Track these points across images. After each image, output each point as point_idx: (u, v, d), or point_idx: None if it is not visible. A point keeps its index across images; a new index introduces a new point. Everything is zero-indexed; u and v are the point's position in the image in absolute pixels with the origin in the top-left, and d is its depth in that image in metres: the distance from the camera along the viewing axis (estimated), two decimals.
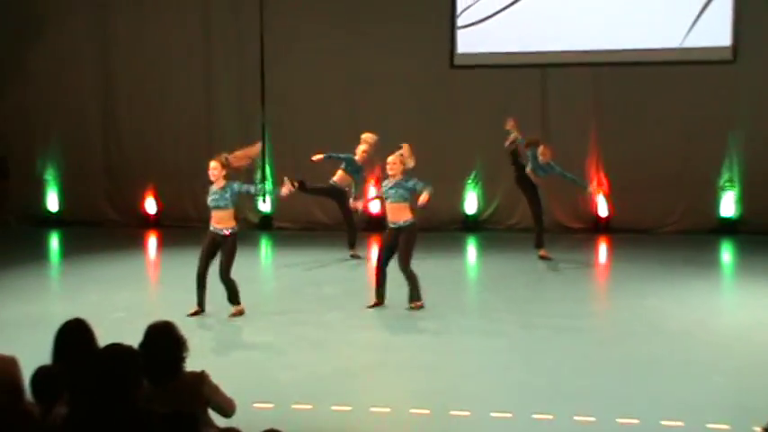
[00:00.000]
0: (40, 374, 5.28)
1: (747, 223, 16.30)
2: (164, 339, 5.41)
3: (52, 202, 18.65)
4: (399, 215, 11.05)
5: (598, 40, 16.38)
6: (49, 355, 5.57)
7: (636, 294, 12.02)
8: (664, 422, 7.29)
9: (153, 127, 18.11)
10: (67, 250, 17.22)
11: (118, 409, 4.52)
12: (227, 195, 10.68)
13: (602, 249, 16.20)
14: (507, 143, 14.12)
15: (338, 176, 14.33)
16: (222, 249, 10.73)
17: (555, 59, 16.67)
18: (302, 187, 14.39)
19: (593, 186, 14.36)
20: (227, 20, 17.84)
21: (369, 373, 9.01)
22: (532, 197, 14.26)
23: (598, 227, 16.87)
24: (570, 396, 8.00)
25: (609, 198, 16.79)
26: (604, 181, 16.78)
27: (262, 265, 15.69)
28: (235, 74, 17.94)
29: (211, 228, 10.79)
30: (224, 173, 10.67)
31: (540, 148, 14.04)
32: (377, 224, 15.73)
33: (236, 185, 10.74)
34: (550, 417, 7.50)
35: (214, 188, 10.75)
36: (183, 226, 17.25)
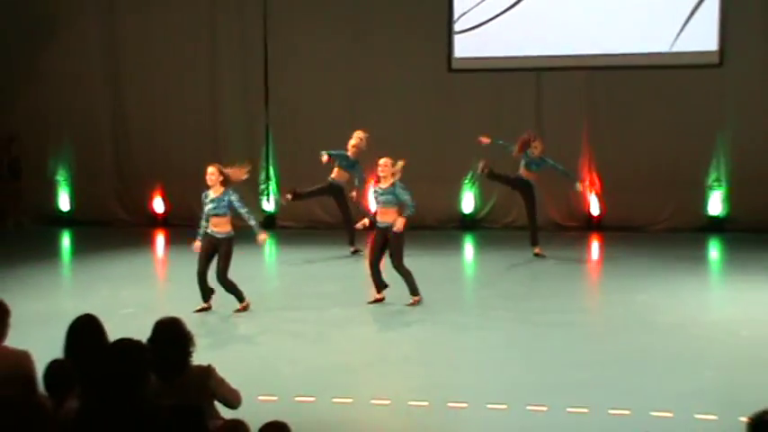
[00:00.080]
0: (53, 368, 5.34)
1: (734, 221, 16.40)
2: (171, 335, 5.43)
3: (64, 202, 18.69)
4: (388, 217, 11.20)
5: (591, 44, 16.53)
6: (61, 349, 5.60)
7: (627, 290, 12.14)
8: (654, 413, 7.39)
9: (160, 128, 18.18)
10: (78, 249, 17.25)
11: (127, 402, 4.54)
12: (225, 204, 10.75)
13: (595, 247, 16.30)
14: (480, 170, 14.26)
15: (335, 173, 14.51)
16: (219, 252, 10.80)
17: (549, 63, 16.80)
18: (297, 197, 14.61)
19: (582, 185, 14.42)
20: (232, 24, 17.95)
21: (369, 367, 9.10)
22: (529, 197, 14.35)
23: (591, 225, 16.98)
24: (564, 388, 8.11)
25: (601, 197, 16.91)
26: (597, 180, 16.91)
27: (265, 262, 15.65)
28: (239, 76, 18.04)
29: (209, 231, 10.85)
30: (221, 179, 10.76)
31: (534, 143, 14.08)
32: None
33: (234, 200, 10.81)
34: (544, 408, 7.61)
35: (212, 195, 10.79)
36: (190, 225, 16.92)
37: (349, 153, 14.41)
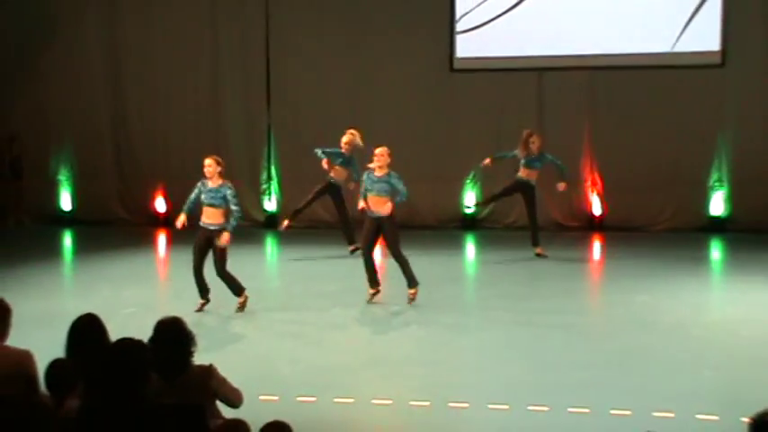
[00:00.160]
0: (54, 367, 5.32)
1: (736, 221, 16.42)
2: (172, 334, 5.43)
3: (65, 202, 18.72)
4: (380, 206, 11.21)
5: (593, 44, 16.55)
6: (63, 349, 5.61)
7: (629, 290, 12.14)
8: (655, 413, 7.38)
9: (162, 128, 18.22)
10: (80, 248, 17.26)
11: (128, 402, 4.55)
12: (221, 195, 10.80)
13: (596, 247, 16.30)
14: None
15: (334, 171, 14.52)
16: (213, 245, 10.83)
17: (551, 63, 16.82)
18: (296, 215, 14.68)
19: (565, 187, 14.42)
20: (233, 23, 17.98)
21: (370, 366, 9.10)
22: (529, 198, 14.35)
23: (592, 225, 17.00)
24: (565, 388, 8.11)
25: (602, 197, 16.94)
26: (598, 180, 16.94)
27: (267, 262, 15.79)
28: (241, 76, 18.07)
29: (201, 223, 10.91)
30: (219, 170, 10.81)
31: (532, 138, 14.09)
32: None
33: (229, 195, 10.81)
34: (546, 408, 7.61)
35: (209, 185, 10.83)
36: (191, 224, 17.24)
37: (343, 150, 14.44)
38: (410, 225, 16.61)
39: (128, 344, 4.78)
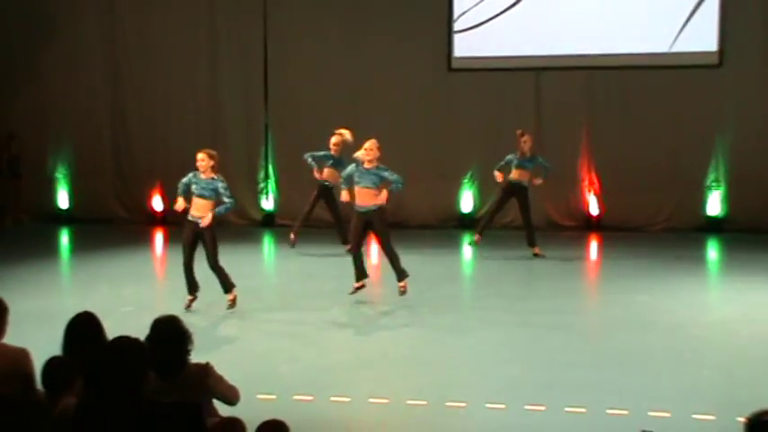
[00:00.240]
0: (51, 365, 5.30)
1: (733, 221, 16.48)
2: (170, 333, 5.44)
3: (63, 200, 18.77)
4: (368, 200, 11.17)
5: (591, 44, 16.59)
6: (60, 347, 5.62)
7: (626, 290, 12.17)
8: (652, 413, 7.39)
9: (160, 127, 18.27)
10: (78, 247, 17.30)
11: (125, 400, 4.53)
12: (212, 188, 10.82)
13: (594, 247, 16.34)
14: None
15: (326, 174, 14.61)
16: (203, 240, 10.85)
17: (549, 63, 16.86)
18: (300, 226, 14.83)
19: (538, 181, 14.47)
20: (231, 23, 18.01)
21: (367, 366, 9.09)
22: (522, 200, 14.44)
23: (590, 225, 17.05)
24: (562, 388, 8.12)
25: (600, 197, 16.97)
26: (596, 180, 16.97)
27: (264, 260, 15.81)
28: (239, 75, 18.10)
29: (189, 217, 10.91)
30: (211, 164, 10.83)
31: (524, 138, 14.19)
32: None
33: (221, 187, 10.82)
34: (542, 408, 7.62)
35: (202, 177, 10.86)
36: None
37: (332, 151, 14.50)
38: (408, 224, 16.70)
39: (125, 342, 4.74)
